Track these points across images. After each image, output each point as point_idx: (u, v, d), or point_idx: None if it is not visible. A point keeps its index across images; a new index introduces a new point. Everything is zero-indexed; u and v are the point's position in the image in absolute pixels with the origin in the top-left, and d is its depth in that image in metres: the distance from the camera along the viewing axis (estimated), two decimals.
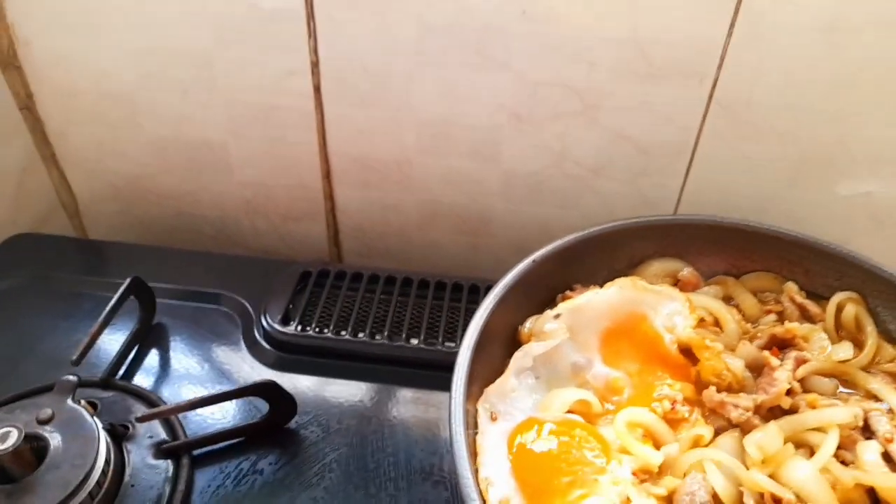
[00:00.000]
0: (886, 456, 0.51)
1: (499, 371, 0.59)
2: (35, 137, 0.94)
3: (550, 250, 0.63)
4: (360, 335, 0.75)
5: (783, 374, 0.55)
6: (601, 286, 0.64)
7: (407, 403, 0.69)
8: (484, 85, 0.82)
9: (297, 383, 0.71)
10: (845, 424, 0.52)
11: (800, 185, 0.85)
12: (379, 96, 0.84)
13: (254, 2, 0.78)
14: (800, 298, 0.64)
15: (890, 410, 0.55)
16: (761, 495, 0.50)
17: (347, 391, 0.70)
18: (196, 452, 0.64)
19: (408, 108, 0.85)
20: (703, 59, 0.76)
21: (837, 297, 0.63)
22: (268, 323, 0.75)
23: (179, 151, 0.93)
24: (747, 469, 0.51)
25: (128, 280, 0.70)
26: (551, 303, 0.64)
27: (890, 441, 0.51)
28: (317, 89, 0.85)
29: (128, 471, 0.61)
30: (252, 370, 0.72)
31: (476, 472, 0.50)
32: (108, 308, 0.67)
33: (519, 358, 0.58)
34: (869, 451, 0.50)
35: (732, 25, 0.74)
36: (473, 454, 0.52)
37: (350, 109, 0.86)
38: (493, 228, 0.96)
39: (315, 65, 0.83)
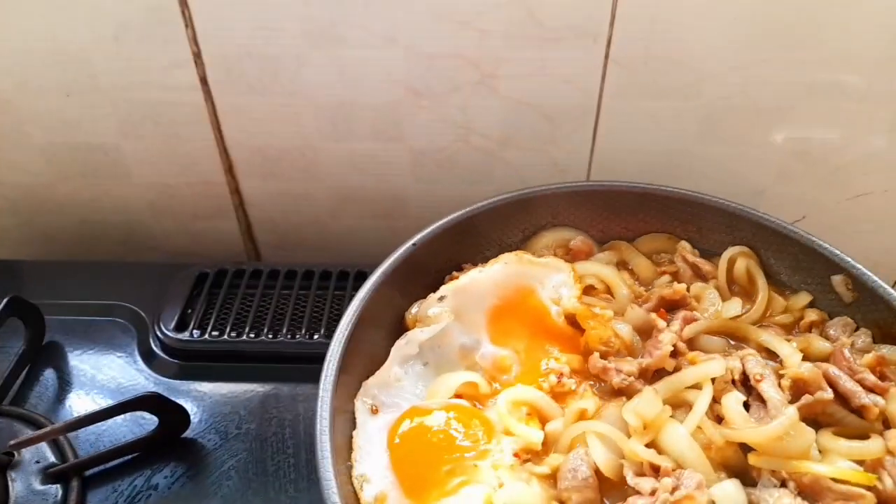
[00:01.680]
0: (761, 398, 0.50)
1: (385, 361, 0.57)
2: None
3: (432, 231, 0.61)
4: (261, 334, 0.72)
5: (667, 335, 0.54)
6: None
7: (309, 400, 0.66)
8: (375, 62, 0.79)
9: (198, 391, 0.69)
10: (720, 378, 0.51)
11: (709, 138, 0.83)
12: (269, 82, 0.81)
13: None
14: (691, 257, 0.63)
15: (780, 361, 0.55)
16: (642, 465, 0.48)
17: (248, 394, 0.68)
18: (88, 473, 0.61)
19: (301, 93, 0.82)
20: (593, 16, 0.74)
21: (728, 253, 0.62)
22: (162, 331, 0.72)
23: (72, 157, 0.89)
24: (629, 438, 0.50)
25: (4, 300, 0.67)
26: (440, 284, 0.62)
27: (760, 381, 0.50)
28: (203, 80, 0.81)
29: (11, 500, 0.58)
30: (148, 382, 0.69)
31: (350, 470, 0.49)
32: None
33: (401, 346, 0.56)
34: (731, 402, 0.49)
35: None
36: (349, 451, 0.50)
37: (241, 98, 0.83)
38: (409, 210, 0.93)
39: (197, 55, 0.79)
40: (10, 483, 0.59)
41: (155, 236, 0.97)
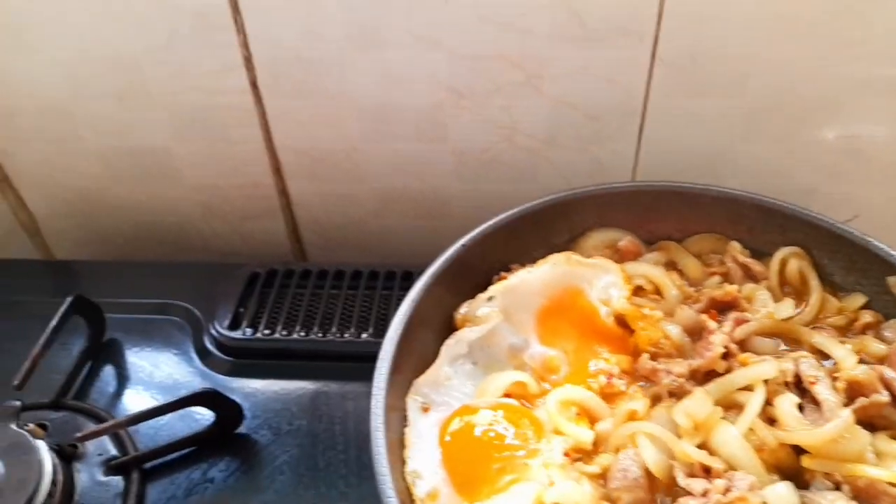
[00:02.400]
0: (815, 401, 0.49)
1: (435, 360, 0.58)
2: None
3: (481, 232, 0.62)
4: (311, 333, 0.74)
5: (718, 337, 0.54)
6: None
7: (358, 398, 0.68)
8: (419, 64, 0.80)
9: (250, 388, 0.71)
10: (773, 380, 0.51)
11: (754, 137, 0.82)
12: (316, 85, 0.83)
13: (176, 2, 0.76)
14: (742, 258, 0.62)
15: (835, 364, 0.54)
16: (693, 465, 0.48)
17: (299, 391, 0.70)
18: (147, 466, 0.64)
19: (346, 96, 0.83)
20: (639, 16, 0.74)
21: (780, 254, 0.62)
22: (216, 329, 0.74)
23: (125, 160, 0.92)
24: (680, 439, 0.50)
25: (69, 299, 0.70)
26: (489, 284, 0.63)
27: (814, 383, 0.49)
28: (253, 84, 0.83)
29: (77, 490, 0.61)
30: (204, 379, 0.72)
31: (402, 466, 0.50)
32: (48, 329, 0.67)
33: (451, 345, 0.57)
34: (784, 404, 0.49)
35: None
36: (402, 448, 0.51)
37: (290, 101, 0.85)
38: (452, 209, 0.94)
39: (248, 59, 0.81)
40: (75, 474, 0.62)
41: (205, 237, 1.00)
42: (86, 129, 0.89)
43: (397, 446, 0.51)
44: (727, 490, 0.46)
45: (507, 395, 0.56)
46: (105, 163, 0.92)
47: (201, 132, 0.88)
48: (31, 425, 0.62)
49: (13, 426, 0.60)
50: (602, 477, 0.50)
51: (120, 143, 0.90)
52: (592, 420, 0.54)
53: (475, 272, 0.63)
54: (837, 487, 0.48)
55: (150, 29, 0.79)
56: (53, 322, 0.68)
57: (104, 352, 0.75)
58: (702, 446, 0.50)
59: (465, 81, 0.81)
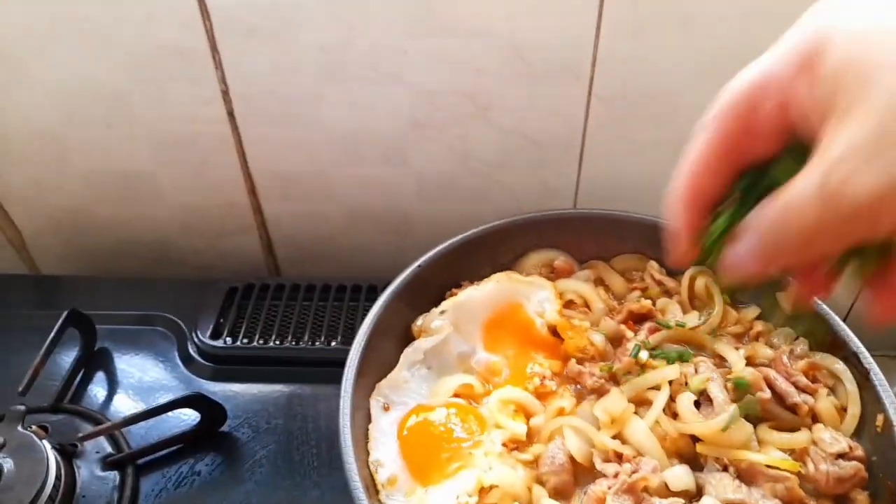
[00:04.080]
0: (709, 398, 0.59)
1: (395, 365, 0.67)
2: None
3: (435, 254, 0.71)
4: (286, 342, 0.82)
5: (633, 344, 0.64)
6: None
7: (328, 399, 0.77)
8: (383, 98, 0.89)
9: (231, 391, 0.79)
10: (676, 380, 0.61)
11: None
12: (289, 116, 0.91)
13: (160, 42, 0.84)
14: (658, 275, 0.73)
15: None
16: (608, 453, 0.58)
17: (276, 393, 0.79)
18: (140, 462, 0.72)
19: (318, 125, 0.92)
20: (576, 57, 0.84)
21: (689, 272, 0.72)
22: (199, 339, 0.82)
23: (110, 182, 0.99)
24: (599, 431, 0.60)
25: (65, 313, 0.77)
26: (442, 299, 0.72)
27: (707, 382, 0.59)
28: (231, 115, 0.91)
29: (78, 484, 0.69)
30: (188, 384, 0.80)
31: (366, 457, 0.59)
32: (48, 341, 0.74)
33: (409, 353, 0.66)
34: (684, 401, 0.59)
35: (599, 26, 0.81)
36: (366, 441, 0.60)
37: (264, 130, 0.93)
38: (414, 227, 1.03)
39: (225, 93, 0.89)
40: (76, 470, 0.70)
41: (184, 254, 1.07)
42: (73, 153, 0.96)
43: (362, 440, 0.60)
44: (634, 472, 0.56)
45: (456, 396, 0.65)
46: (90, 184, 0.99)
47: (181, 157, 0.95)
48: (35, 427, 0.70)
49: (20, 428, 0.68)
50: (534, 463, 0.60)
51: (105, 166, 0.97)
52: (528, 416, 0.64)
53: (430, 288, 0.72)
54: (725, 469, 0.58)
55: (135, 64, 0.86)
56: (52, 334, 0.76)
57: (96, 360, 0.82)
58: (617, 437, 0.60)
59: (424, 113, 0.90)
